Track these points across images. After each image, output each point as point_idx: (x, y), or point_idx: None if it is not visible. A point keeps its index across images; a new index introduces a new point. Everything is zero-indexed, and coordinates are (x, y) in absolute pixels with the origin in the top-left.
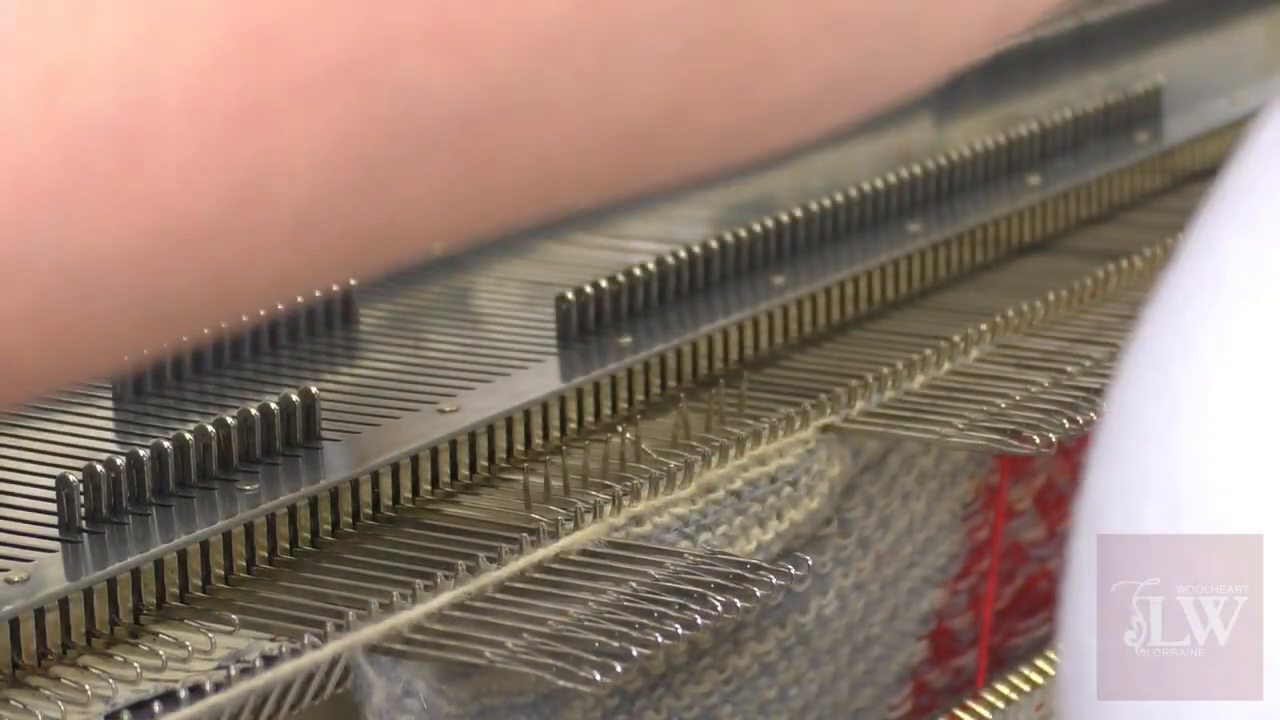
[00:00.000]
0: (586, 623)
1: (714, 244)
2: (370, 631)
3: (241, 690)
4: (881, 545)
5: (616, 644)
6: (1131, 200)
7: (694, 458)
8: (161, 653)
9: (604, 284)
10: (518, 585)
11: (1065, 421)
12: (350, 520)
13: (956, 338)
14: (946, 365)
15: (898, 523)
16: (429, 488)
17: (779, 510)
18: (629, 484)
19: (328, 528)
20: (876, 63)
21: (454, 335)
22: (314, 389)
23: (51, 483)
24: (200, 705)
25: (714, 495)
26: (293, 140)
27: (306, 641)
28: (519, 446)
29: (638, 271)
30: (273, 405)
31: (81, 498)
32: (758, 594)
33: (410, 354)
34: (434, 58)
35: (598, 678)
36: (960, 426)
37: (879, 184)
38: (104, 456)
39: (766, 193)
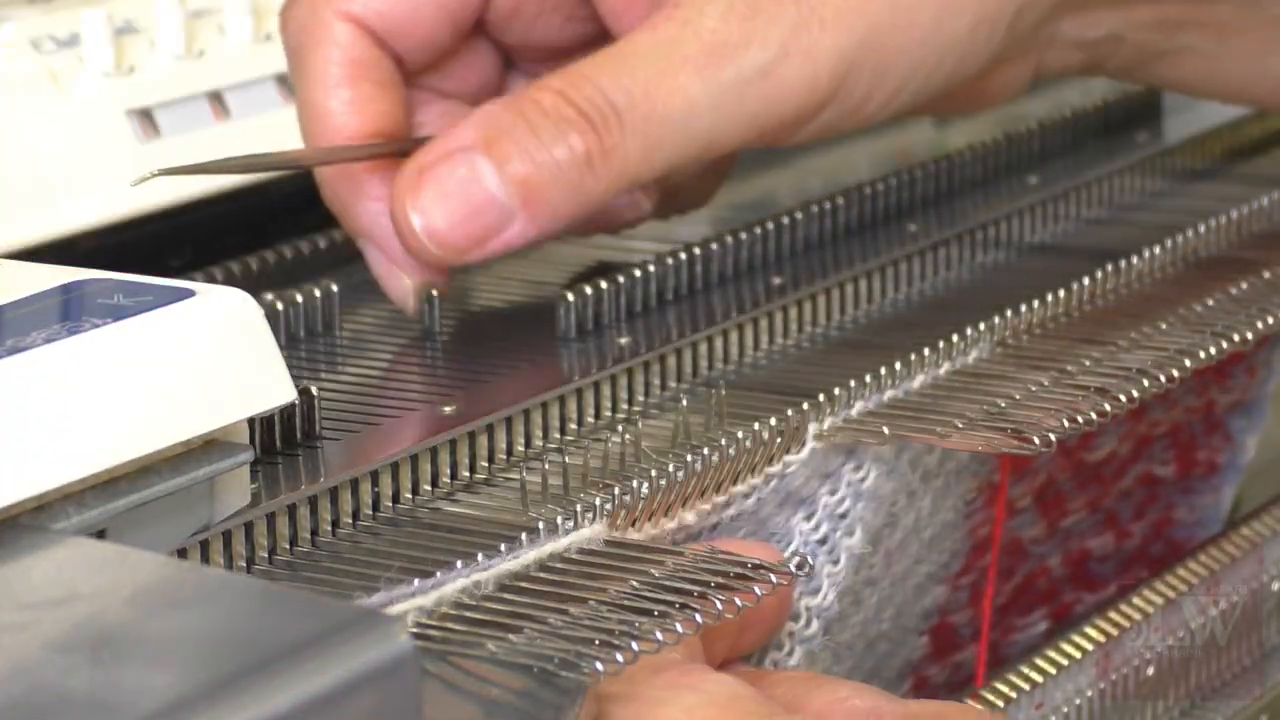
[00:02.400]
0: (587, 621)
1: (714, 244)
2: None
3: None
4: (890, 542)
5: (618, 640)
6: (1131, 200)
7: (694, 457)
8: None
9: (604, 284)
10: (517, 584)
11: (1065, 420)
12: (350, 520)
13: (956, 338)
14: (946, 365)
15: (905, 520)
16: (429, 487)
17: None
18: (628, 484)
19: (328, 528)
20: None
21: (454, 335)
22: (314, 389)
23: None
24: None
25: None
26: None
27: None
28: (519, 446)
29: (637, 272)
30: None
31: None
32: (759, 592)
33: (410, 354)
34: None
35: (600, 669)
36: (961, 426)
37: (879, 184)
38: None
39: (766, 193)
